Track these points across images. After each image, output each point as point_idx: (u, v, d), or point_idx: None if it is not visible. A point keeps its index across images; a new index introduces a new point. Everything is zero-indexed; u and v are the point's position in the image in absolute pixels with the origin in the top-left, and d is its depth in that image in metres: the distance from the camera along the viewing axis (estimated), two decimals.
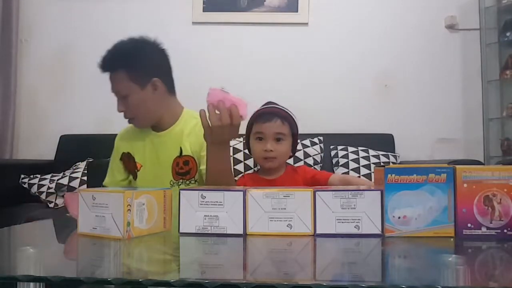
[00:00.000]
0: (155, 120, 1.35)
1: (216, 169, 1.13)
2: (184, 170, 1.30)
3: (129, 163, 1.36)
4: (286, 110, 1.39)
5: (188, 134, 1.31)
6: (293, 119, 1.38)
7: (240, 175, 1.65)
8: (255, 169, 1.63)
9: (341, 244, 0.75)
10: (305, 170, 1.45)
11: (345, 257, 0.70)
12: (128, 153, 1.37)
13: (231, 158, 2.28)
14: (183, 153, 1.31)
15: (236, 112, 1.01)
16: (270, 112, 1.36)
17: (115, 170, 1.41)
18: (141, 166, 1.34)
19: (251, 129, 1.37)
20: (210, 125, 1.02)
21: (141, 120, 1.34)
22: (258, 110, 1.38)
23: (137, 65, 1.31)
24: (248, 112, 1.05)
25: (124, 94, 1.28)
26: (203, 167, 1.25)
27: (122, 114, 1.33)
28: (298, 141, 1.49)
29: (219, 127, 1.01)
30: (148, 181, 1.32)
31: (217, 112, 1.01)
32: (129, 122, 1.35)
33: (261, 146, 1.34)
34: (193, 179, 1.33)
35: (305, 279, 0.55)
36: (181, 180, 1.31)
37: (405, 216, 0.77)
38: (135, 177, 1.35)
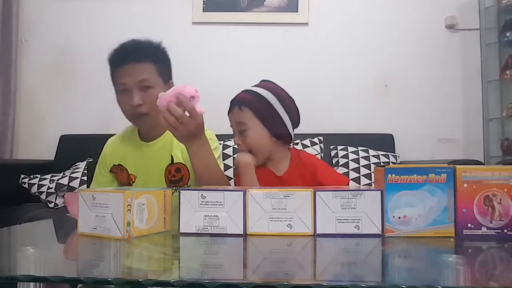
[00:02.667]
0: (158, 122, 1.27)
1: (199, 165, 1.13)
2: (176, 177, 1.29)
3: (122, 175, 1.34)
4: (253, 90, 1.23)
5: (178, 142, 1.30)
6: (260, 98, 1.21)
7: None
8: None
9: (341, 244, 0.75)
10: (315, 166, 1.26)
11: (345, 257, 0.70)
12: (120, 165, 1.34)
13: (231, 157, 2.27)
14: (175, 161, 1.30)
15: (184, 98, 1.02)
16: (233, 101, 1.25)
17: (101, 182, 1.37)
18: (136, 177, 1.32)
19: None
20: (168, 124, 1.04)
21: (153, 118, 1.26)
22: None
23: (164, 61, 1.31)
24: (199, 93, 1.04)
25: (148, 85, 1.24)
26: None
27: (129, 111, 1.25)
28: (293, 133, 1.27)
29: (176, 121, 1.03)
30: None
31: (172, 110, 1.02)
32: (136, 118, 1.27)
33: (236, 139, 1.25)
34: (186, 186, 1.32)
35: (305, 279, 0.55)
36: (174, 188, 1.30)
37: (405, 216, 0.77)
38: None
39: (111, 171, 1.36)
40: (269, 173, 1.25)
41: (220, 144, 2.27)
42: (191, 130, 1.06)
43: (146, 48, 1.29)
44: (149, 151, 1.32)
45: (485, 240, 0.75)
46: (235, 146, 2.34)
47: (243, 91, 1.27)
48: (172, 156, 1.30)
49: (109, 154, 1.38)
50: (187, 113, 1.04)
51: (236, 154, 1.26)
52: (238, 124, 1.22)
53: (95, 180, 1.40)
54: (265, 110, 1.22)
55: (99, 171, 1.40)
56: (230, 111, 1.25)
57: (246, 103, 1.22)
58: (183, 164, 1.29)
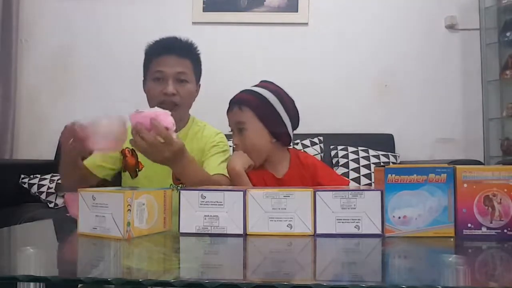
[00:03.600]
0: (182, 117, 1.33)
1: (189, 182, 1.12)
2: None
3: (131, 160, 1.33)
4: (254, 90, 1.23)
5: (190, 140, 1.30)
6: (261, 99, 1.21)
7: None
8: None
9: (341, 244, 0.75)
10: (315, 167, 1.26)
11: (345, 257, 0.70)
12: (133, 149, 1.32)
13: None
14: None
15: (158, 125, 0.98)
16: (232, 100, 1.25)
17: (98, 155, 1.30)
18: (143, 166, 1.33)
19: None
20: (138, 147, 1.00)
21: (181, 111, 1.30)
22: None
23: (199, 62, 1.36)
24: (174, 127, 1.00)
25: (184, 79, 1.28)
26: None
27: (159, 97, 1.26)
28: (293, 133, 1.27)
29: (150, 146, 0.99)
30: (148, 181, 1.31)
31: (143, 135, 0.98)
32: (165, 107, 1.21)
33: (234, 139, 1.23)
34: (181, 184, 1.30)
35: (305, 279, 0.55)
36: (180, 185, 1.30)
37: (405, 216, 0.77)
38: (133, 176, 1.33)
39: (121, 152, 1.33)
40: (269, 175, 1.24)
41: None
42: (167, 157, 1.02)
43: (187, 46, 1.34)
44: None
45: (485, 240, 0.75)
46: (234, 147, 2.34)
47: (242, 91, 1.26)
48: None
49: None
50: (160, 139, 0.99)
51: (228, 160, 1.23)
52: (237, 124, 1.21)
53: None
54: (266, 110, 1.21)
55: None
56: (229, 110, 1.25)
57: (246, 102, 1.21)
58: None
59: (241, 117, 1.21)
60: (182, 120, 1.32)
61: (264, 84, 1.28)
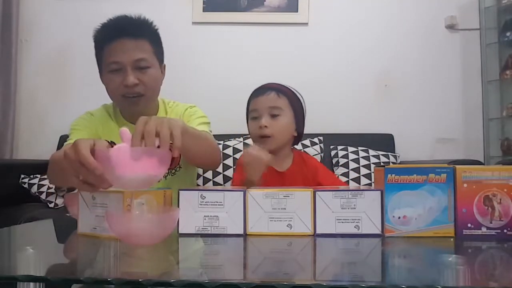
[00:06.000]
0: (150, 104, 1.23)
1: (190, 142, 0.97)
2: None
3: None
4: (288, 86, 1.26)
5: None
6: (295, 94, 1.25)
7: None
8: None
9: (341, 244, 0.75)
10: (316, 167, 1.29)
11: (345, 257, 0.70)
12: (112, 142, 1.19)
13: (231, 157, 2.24)
14: None
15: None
16: (265, 87, 1.25)
17: (86, 135, 1.20)
18: None
19: (248, 109, 1.26)
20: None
21: (149, 99, 1.19)
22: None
23: (159, 41, 1.22)
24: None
25: (145, 65, 1.15)
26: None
27: (120, 91, 1.16)
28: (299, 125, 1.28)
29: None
30: None
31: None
32: (128, 100, 1.18)
33: (255, 124, 1.21)
34: (178, 166, 1.26)
35: (305, 279, 0.55)
36: (174, 169, 1.24)
37: (405, 216, 0.77)
38: None
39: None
40: (271, 169, 1.23)
41: (220, 144, 2.28)
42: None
43: (141, 24, 1.20)
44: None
45: (485, 240, 0.75)
46: (235, 146, 2.34)
47: (273, 83, 1.27)
48: None
49: (102, 124, 1.26)
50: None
51: (249, 148, 1.13)
52: (272, 108, 1.21)
53: (75, 133, 1.24)
54: (297, 104, 1.25)
55: (79, 135, 1.20)
56: (261, 94, 1.23)
57: (283, 92, 1.23)
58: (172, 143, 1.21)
59: (279, 103, 1.22)
60: (149, 107, 1.22)
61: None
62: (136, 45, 1.15)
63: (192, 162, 1.22)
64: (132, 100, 1.18)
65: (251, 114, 1.24)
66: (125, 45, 1.15)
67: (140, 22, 1.20)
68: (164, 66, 1.26)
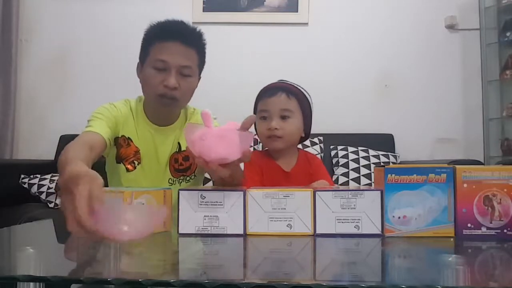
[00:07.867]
0: (178, 112, 1.29)
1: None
2: (184, 166, 1.26)
3: (128, 150, 1.24)
4: (297, 86, 1.25)
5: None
6: (305, 95, 1.25)
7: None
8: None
9: (341, 244, 0.75)
10: (319, 168, 1.29)
11: (345, 257, 0.70)
12: (129, 139, 1.24)
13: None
14: (182, 149, 1.26)
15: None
16: (275, 87, 1.24)
17: (106, 125, 1.21)
18: (139, 149, 1.24)
19: (257, 108, 1.26)
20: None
21: (180, 105, 1.24)
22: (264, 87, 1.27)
23: (204, 53, 1.26)
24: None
25: (188, 73, 1.19)
26: None
27: (159, 89, 1.17)
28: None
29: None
30: (143, 176, 1.24)
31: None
32: (163, 100, 1.19)
33: (265, 125, 1.21)
34: (193, 174, 1.29)
35: (305, 279, 0.55)
36: (182, 177, 1.27)
37: (405, 216, 0.77)
38: (130, 168, 1.24)
39: (115, 138, 1.24)
40: (277, 168, 1.25)
41: None
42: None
43: (195, 34, 1.23)
44: (159, 136, 1.26)
45: (485, 240, 0.75)
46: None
47: (281, 81, 1.27)
48: (179, 144, 1.26)
49: (123, 118, 1.25)
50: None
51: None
52: (283, 110, 1.21)
53: (99, 119, 1.23)
54: (306, 105, 1.25)
55: (107, 114, 1.23)
56: (272, 95, 1.22)
57: (294, 93, 1.22)
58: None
59: (289, 105, 1.21)
60: (177, 113, 1.27)
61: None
62: (185, 52, 1.19)
63: (230, 180, 1.16)
64: (167, 101, 1.20)
65: (260, 114, 1.24)
66: (177, 48, 1.18)
67: (195, 32, 1.23)
68: (200, 78, 1.28)
